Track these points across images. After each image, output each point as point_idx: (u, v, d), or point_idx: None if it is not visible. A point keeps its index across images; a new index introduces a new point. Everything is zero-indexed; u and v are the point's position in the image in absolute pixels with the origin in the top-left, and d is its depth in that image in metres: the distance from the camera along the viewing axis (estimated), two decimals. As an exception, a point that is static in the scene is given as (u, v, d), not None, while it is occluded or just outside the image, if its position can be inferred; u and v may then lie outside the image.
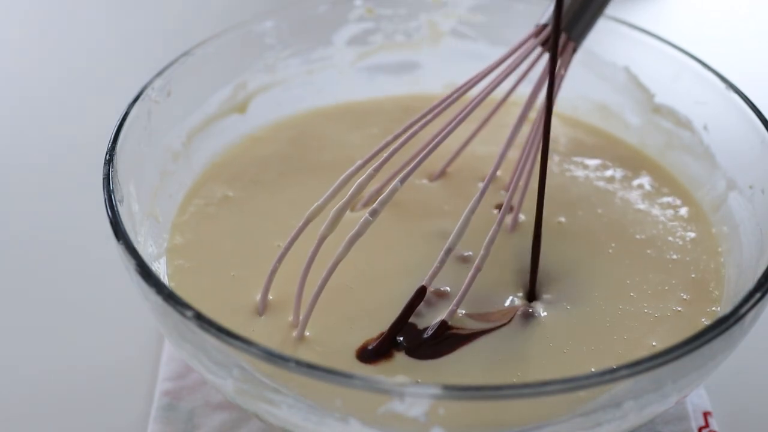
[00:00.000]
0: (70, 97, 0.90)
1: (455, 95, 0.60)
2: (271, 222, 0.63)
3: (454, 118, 0.59)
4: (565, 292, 0.59)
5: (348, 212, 0.57)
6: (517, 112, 0.64)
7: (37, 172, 0.81)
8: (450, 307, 0.56)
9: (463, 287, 0.56)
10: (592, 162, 0.69)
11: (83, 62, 0.94)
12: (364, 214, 0.54)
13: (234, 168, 0.68)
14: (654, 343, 0.56)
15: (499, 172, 0.66)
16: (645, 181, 0.68)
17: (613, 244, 0.62)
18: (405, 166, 0.60)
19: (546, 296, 0.58)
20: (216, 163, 0.68)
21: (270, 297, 0.57)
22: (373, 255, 0.60)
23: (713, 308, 0.58)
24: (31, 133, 0.85)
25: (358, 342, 0.55)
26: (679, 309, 0.58)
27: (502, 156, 0.64)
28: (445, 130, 0.58)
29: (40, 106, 0.89)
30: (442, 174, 0.67)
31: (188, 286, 0.58)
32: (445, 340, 0.55)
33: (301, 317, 0.55)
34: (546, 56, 0.63)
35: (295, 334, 0.55)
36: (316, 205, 0.56)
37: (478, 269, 0.56)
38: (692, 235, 0.63)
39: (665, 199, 0.66)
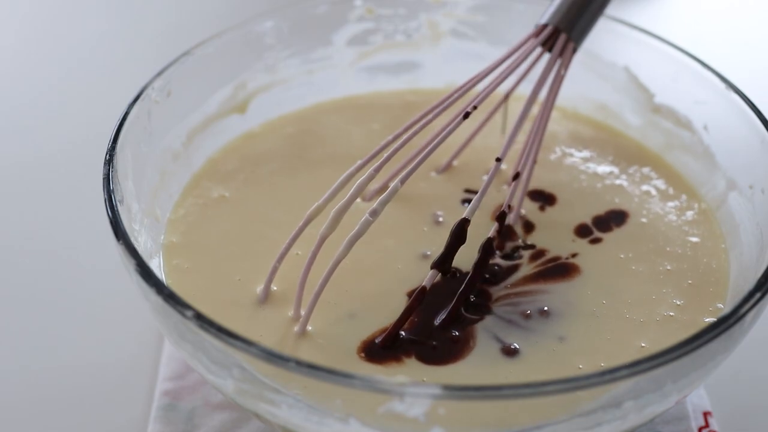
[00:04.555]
0: (70, 97, 0.90)
1: (456, 95, 0.60)
2: (269, 220, 0.63)
3: (455, 117, 0.59)
4: (564, 289, 0.59)
5: (356, 202, 0.57)
6: (520, 108, 0.64)
7: (37, 172, 0.81)
8: (461, 288, 0.56)
9: (467, 280, 0.56)
10: (592, 156, 0.69)
11: (83, 62, 0.94)
12: (365, 213, 0.55)
13: (231, 165, 0.68)
14: (643, 344, 0.56)
15: (504, 166, 0.66)
16: (647, 177, 0.68)
17: (614, 244, 0.62)
18: (406, 164, 0.60)
19: (545, 294, 0.58)
20: (213, 160, 0.68)
21: (273, 288, 0.57)
22: (376, 248, 0.60)
23: (717, 305, 0.58)
24: (31, 132, 0.85)
25: (360, 336, 0.55)
26: (671, 314, 0.58)
27: (502, 156, 0.64)
28: (446, 129, 0.59)
29: (40, 106, 0.89)
30: (449, 167, 0.67)
31: (186, 284, 0.58)
32: (452, 324, 0.55)
33: (302, 313, 0.55)
34: (546, 56, 0.63)
35: (296, 329, 0.55)
36: (316, 205, 0.56)
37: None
38: (695, 232, 0.63)
39: (669, 199, 0.66)
